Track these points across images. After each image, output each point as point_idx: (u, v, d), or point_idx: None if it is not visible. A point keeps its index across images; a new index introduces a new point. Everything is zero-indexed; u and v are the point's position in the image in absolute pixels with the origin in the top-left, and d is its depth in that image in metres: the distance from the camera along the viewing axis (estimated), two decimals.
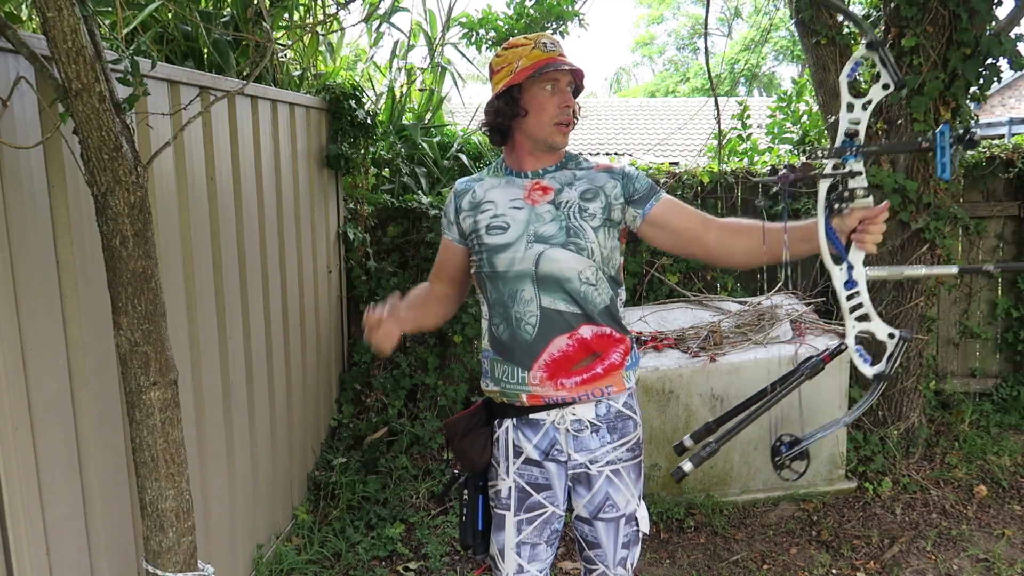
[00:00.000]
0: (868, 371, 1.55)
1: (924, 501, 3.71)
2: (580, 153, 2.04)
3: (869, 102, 1.53)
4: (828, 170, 1.55)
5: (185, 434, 1.89)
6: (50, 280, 1.89)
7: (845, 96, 1.54)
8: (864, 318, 1.56)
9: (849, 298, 1.57)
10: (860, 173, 1.53)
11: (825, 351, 1.62)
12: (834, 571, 3.21)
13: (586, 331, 1.85)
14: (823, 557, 3.28)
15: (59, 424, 1.93)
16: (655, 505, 3.63)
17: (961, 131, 1.45)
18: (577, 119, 1.91)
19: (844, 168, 1.54)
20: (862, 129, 1.54)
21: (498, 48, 1.93)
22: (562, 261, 1.83)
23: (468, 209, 1.93)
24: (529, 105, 1.84)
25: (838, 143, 1.54)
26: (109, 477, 2.12)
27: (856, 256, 1.57)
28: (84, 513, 2.04)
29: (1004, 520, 3.55)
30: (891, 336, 1.52)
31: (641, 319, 4.02)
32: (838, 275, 1.58)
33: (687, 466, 1.57)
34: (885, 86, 1.53)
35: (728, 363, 3.58)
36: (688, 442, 1.73)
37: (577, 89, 1.92)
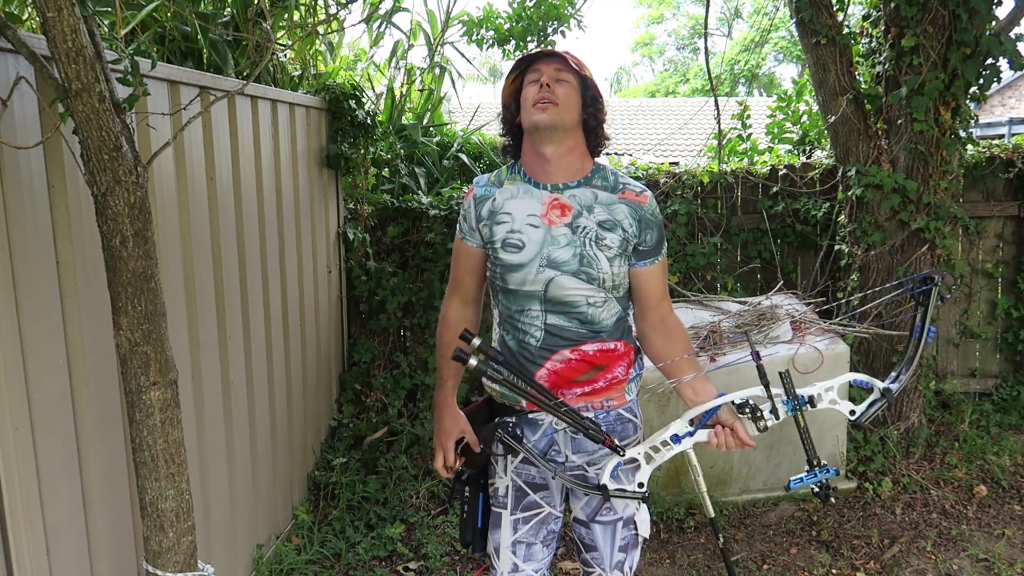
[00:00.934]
0: (602, 479, 1.77)
1: (924, 501, 3.71)
2: (606, 160, 2.02)
3: (834, 402, 1.78)
4: (775, 391, 1.76)
5: (185, 434, 1.89)
6: (50, 280, 1.89)
7: (840, 380, 1.78)
8: (649, 459, 1.78)
9: (664, 443, 1.77)
10: (777, 419, 1.77)
11: (608, 439, 1.77)
12: (834, 571, 3.21)
13: (590, 347, 1.87)
14: (823, 557, 3.28)
15: (59, 424, 1.93)
16: (655, 505, 3.63)
17: (826, 487, 1.77)
18: (561, 102, 1.80)
19: (776, 403, 1.77)
20: (815, 409, 1.77)
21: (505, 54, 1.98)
22: (571, 289, 1.84)
23: (487, 218, 1.89)
24: (521, 102, 1.85)
25: (800, 392, 1.76)
26: (109, 477, 2.12)
27: (700, 436, 1.79)
28: (84, 513, 2.04)
29: (1004, 520, 3.55)
30: (640, 486, 1.78)
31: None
32: (679, 425, 1.78)
33: (472, 361, 1.68)
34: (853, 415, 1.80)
35: (728, 363, 3.58)
36: (476, 342, 1.71)
37: (584, 83, 1.86)
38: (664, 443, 1.77)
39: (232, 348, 2.86)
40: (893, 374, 1.85)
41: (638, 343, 1.99)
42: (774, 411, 1.75)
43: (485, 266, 1.96)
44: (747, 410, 1.75)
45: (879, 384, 1.79)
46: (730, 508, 3.65)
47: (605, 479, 1.75)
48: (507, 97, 1.92)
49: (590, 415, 1.88)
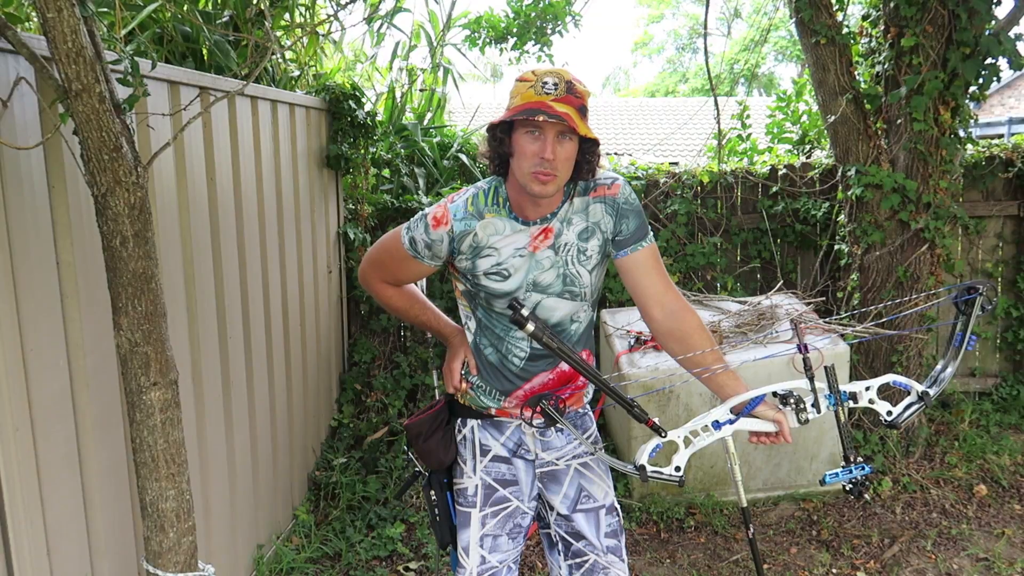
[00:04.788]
0: (640, 459, 1.73)
1: (924, 500, 3.71)
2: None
3: (872, 402, 1.80)
4: (819, 386, 1.76)
5: (185, 434, 1.89)
6: (50, 280, 1.89)
7: (879, 381, 1.79)
8: (688, 443, 1.75)
9: (704, 428, 1.76)
10: (819, 413, 1.75)
11: (651, 419, 1.75)
12: (834, 571, 3.21)
13: (565, 364, 1.89)
14: (823, 557, 3.28)
15: (59, 424, 1.93)
16: (655, 505, 3.63)
17: (860, 483, 1.77)
18: (561, 171, 1.71)
19: (818, 396, 1.76)
20: (853, 404, 1.80)
21: (515, 79, 1.75)
22: (558, 310, 1.86)
23: (467, 252, 1.82)
24: (515, 148, 1.72)
25: (843, 388, 1.76)
26: (109, 477, 2.12)
27: (741, 424, 1.76)
28: (84, 513, 2.04)
29: (1004, 519, 3.55)
30: (677, 469, 1.75)
31: (641, 318, 4.03)
32: (720, 412, 1.76)
33: (530, 326, 1.66)
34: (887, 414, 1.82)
35: (728, 362, 3.58)
36: (525, 312, 1.68)
37: (585, 141, 1.73)
38: (704, 428, 1.75)
39: (232, 348, 2.86)
40: (932, 377, 1.84)
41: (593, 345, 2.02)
42: (816, 404, 1.74)
43: (425, 272, 1.95)
44: (791, 401, 1.74)
45: (918, 387, 1.78)
46: (730, 508, 3.65)
47: (644, 459, 1.72)
48: (498, 119, 1.73)
49: None
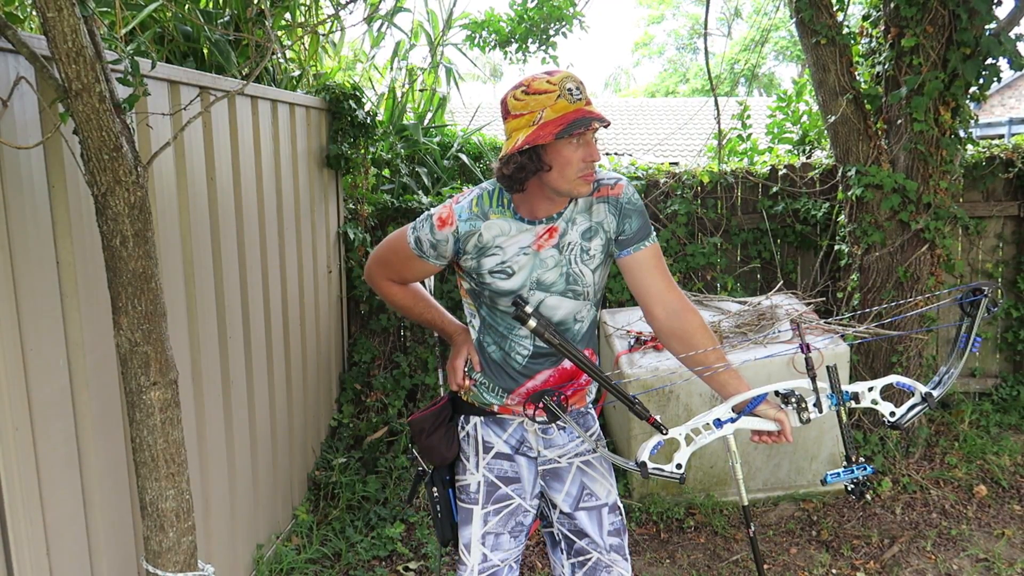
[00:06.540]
0: (641, 456, 1.74)
1: (924, 501, 3.71)
2: None
3: (875, 402, 1.82)
4: (821, 386, 1.77)
5: (185, 434, 1.89)
6: (50, 280, 1.89)
7: (882, 382, 1.80)
8: (689, 440, 1.76)
9: (705, 426, 1.76)
10: (820, 412, 1.77)
11: (653, 416, 1.75)
12: (834, 571, 3.21)
13: (568, 363, 1.90)
14: (823, 557, 3.28)
15: (59, 424, 1.93)
16: (655, 505, 3.63)
17: (861, 484, 1.82)
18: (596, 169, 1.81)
19: (818, 397, 1.77)
20: (855, 404, 1.81)
21: (518, 91, 1.71)
22: (560, 308, 1.86)
23: (472, 252, 1.82)
24: (554, 160, 1.70)
25: (845, 388, 1.78)
26: (109, 477, 2.12)
27: (743, 422, 1.77)
28: (84, 513, 2.04)
29: (1004, 520, 3.55)
30: (678, 466, 1.76)
31: (641, 319, 4.02)
32: (722, 410, 1.76)
33: (532, 322, 1.71)
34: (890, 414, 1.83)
35: (730, 361, 3.58)
36: (529, 309, 1.74)
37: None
38: (706, 426, 1.76)
39: (232, 348, 2.86)
40: (936, 379, 1.85)
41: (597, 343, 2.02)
42: (818, 404, 1.75)
43: (432, 271, 1.95)
44: (792, 400, 1.74)
45: (921, 388, 1.79)
46: (730, 508, 3.66)
47: (645, 456, 1.73)
48: (535, 139, 1.67)
49: None
